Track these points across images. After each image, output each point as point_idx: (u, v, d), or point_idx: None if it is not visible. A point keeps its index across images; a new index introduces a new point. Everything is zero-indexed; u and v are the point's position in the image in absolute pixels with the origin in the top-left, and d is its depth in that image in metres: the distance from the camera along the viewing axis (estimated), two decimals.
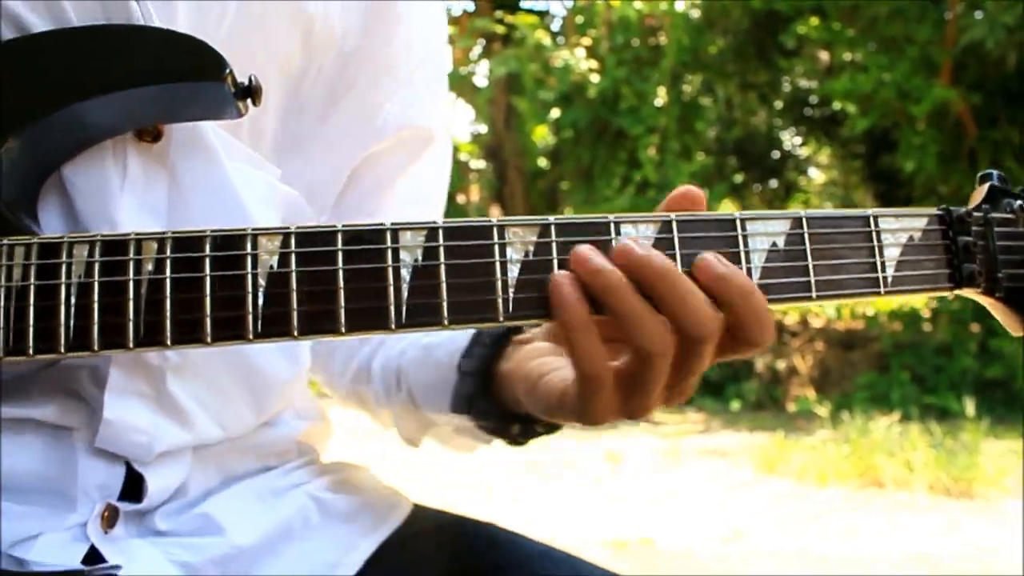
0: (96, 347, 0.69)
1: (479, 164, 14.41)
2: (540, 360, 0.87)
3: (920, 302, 10.69)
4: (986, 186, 0.85)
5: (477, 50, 13.91)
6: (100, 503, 0.83)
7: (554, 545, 1.03)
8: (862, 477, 6.43)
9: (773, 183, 13.99)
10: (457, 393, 0.96)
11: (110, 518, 0.83)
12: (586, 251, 0.73)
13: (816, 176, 15.04)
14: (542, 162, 13.53)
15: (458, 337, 0.98)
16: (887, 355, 10.77)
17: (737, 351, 0.76)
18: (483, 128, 14.19)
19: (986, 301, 0.84)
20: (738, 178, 13.29)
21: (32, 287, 0.69)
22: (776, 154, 14.20)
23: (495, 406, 0.94)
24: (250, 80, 0.78)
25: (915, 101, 10.16)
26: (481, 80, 13.70)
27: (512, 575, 0.98)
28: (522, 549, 1.02)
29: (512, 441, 0.97)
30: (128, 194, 0.80)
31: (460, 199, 13.75)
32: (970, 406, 7.91)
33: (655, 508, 5.79)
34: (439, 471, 5.72)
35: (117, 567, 0.79)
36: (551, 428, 0.94)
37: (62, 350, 0.68)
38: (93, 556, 0.81)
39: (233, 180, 0.85)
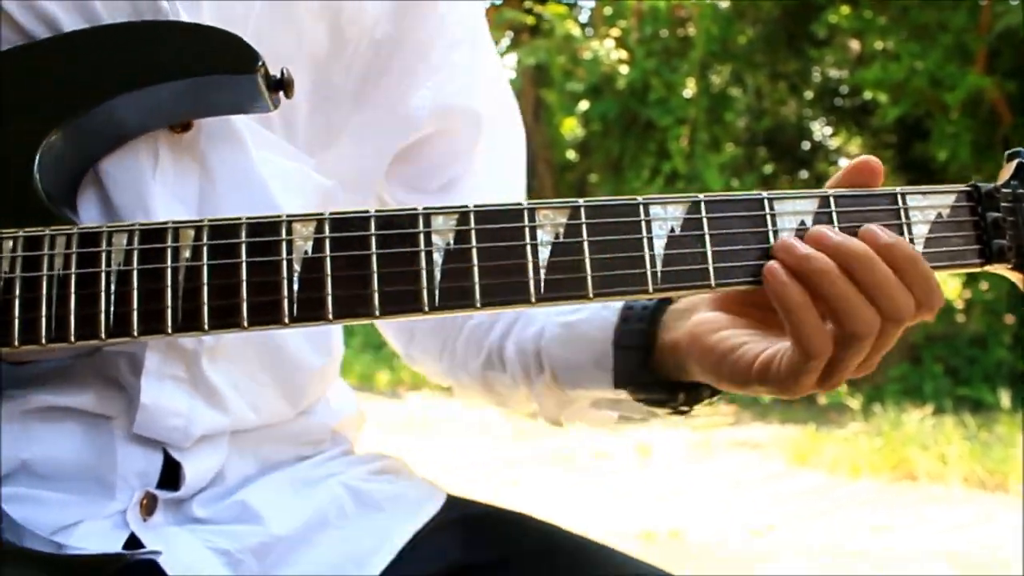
0: (136, 333, 0.70)
1: None
2: (725, 333, 0.86)
3: (953, 293, 10.56)
4: (1014, 163, 0.85)
5: (505, 42, 13.88)
6: (139, 491, 0.84)
7: (587, 536, 1.03)
8: (895, 470, 6.36)
9: (803, 174, 13.85)
10: (619, 368, 0.97)
11: (149, 506, 0.84)
12: (788, 240, 0.76)
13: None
14: (571, 154, 13.48)
15: (604, 312, 0.99)
16: (919, 347, 10.64)
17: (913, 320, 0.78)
18: None
19: (1016, 276, 0.84)
20: (768, 169, 13.17)
21: (73, 275, 0.70)
22: (806, 144, 14.06)
23: (657, 378, 0.95)
24: (282, 73, 0.79)
25: (948, 89, 10.00)
26: (509, 72, 13.67)
27: (545, 564, 0.98)
28: (556, 539, 1.02)
29: (675, 410, 0.98)
30: (159, 183, 0.81)
31: None
32: (1005, 398, 7.80)
33: (685, 500, 5.77)
34: (467, 464, 5.73)
35: (157, 552, 0.80)
36: (715, 393, 0.95)
37: (103, 336, 0.70)
38: (132, 544, 0.82)
39: (261, 170, 0.86)
